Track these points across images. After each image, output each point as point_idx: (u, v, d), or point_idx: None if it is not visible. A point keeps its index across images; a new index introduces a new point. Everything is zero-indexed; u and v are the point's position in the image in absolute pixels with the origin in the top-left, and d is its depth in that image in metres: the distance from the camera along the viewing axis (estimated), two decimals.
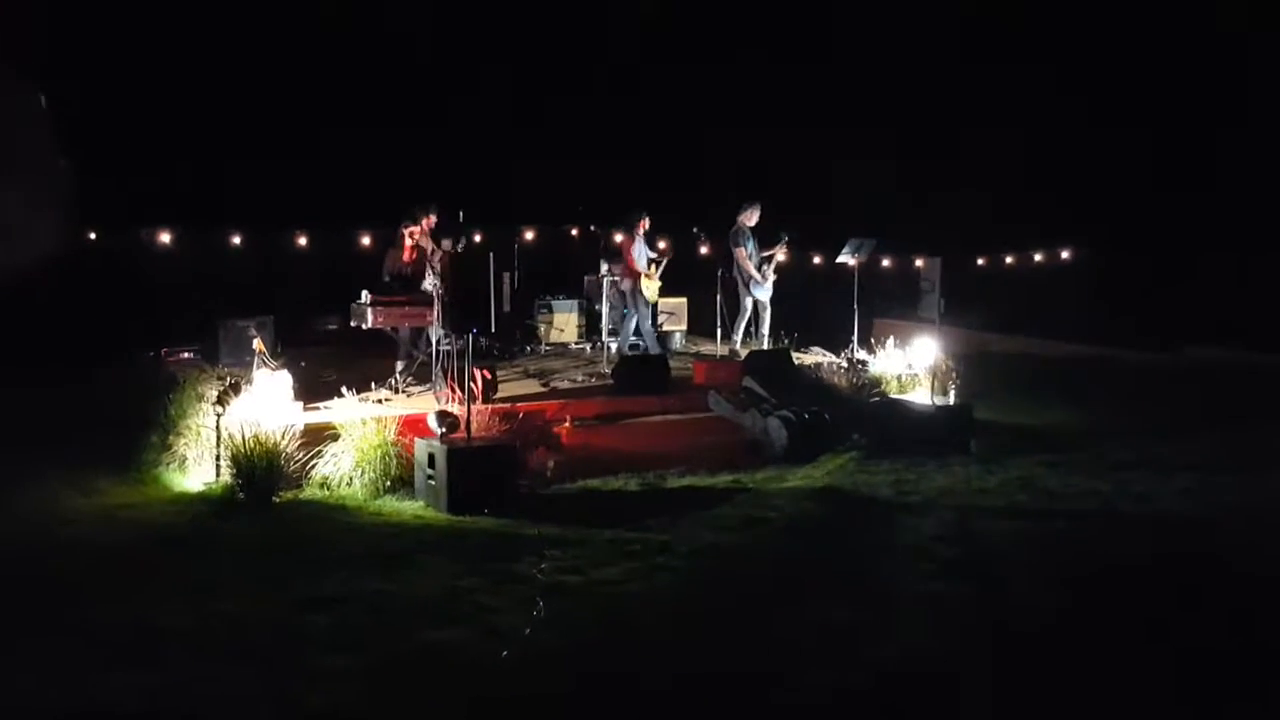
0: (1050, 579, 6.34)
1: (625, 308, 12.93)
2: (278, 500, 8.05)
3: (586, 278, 14.65)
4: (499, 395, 9.98)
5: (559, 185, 16.24)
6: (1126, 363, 14.60)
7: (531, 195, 15.94)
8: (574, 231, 16.49)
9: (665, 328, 14.18)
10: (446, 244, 12.48)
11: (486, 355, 12.47)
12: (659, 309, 14.02)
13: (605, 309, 12.72)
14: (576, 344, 14.41)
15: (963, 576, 6.34)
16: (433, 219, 11.81)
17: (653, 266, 12.81)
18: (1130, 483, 8.71)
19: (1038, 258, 18.16)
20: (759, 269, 12.55)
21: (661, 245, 13.36)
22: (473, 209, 11.67)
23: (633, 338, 12.90)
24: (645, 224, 12.67)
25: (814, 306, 14.47)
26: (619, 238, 13.23)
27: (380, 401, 9.77)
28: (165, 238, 14.12)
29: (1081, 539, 7.22)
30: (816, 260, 16.56)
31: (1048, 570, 6.51)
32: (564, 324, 14.36)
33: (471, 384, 8.72)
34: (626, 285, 12.78)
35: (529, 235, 15.31)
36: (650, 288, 12.76)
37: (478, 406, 8.98)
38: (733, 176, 17.26)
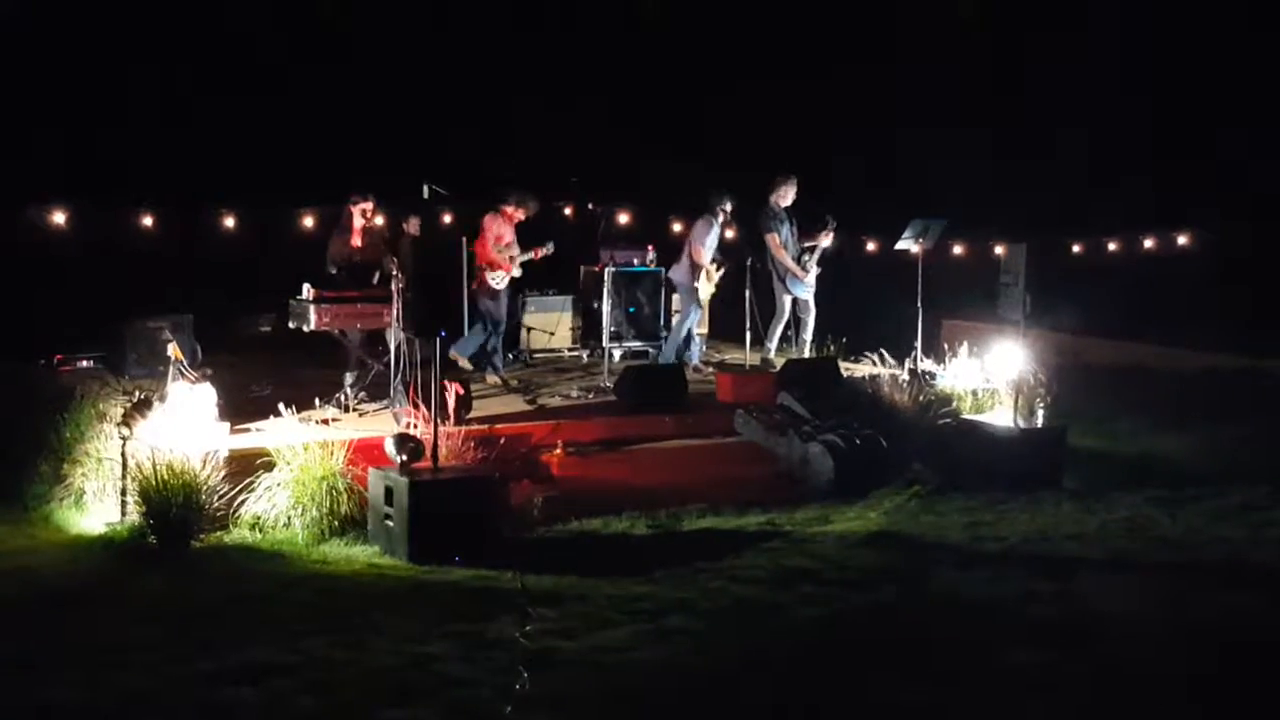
0: (1169, 653, 6.29)
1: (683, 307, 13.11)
2: (198, 545, 8.06)
3: (582, 268, 14.66)
4: (473, 415, 9.99)
5: (548, 151, 16.27)
6: (1274, 376, 14.50)
7: (513, 163, 15.96)
8: (567, 210, 16.51)
9: None
10: (413, 225, 12.55)
11: (458, 365, 12.47)
12: (672, 307, 14.08)
13: (606, 306, 12.74)
14: (570, 351, 14.42)
15: (1055, 646, 6.31)
16: (522, 211, 11.91)
17: (714, 265, 12.88)
18: (1271, 528, 8.66)
19: (1149, 243, 18.13)
20: (798, 260, 12.56)
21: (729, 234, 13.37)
22: (439, 180, 11.71)
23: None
24: (727, 210, 12.74)
25: (867, 305, 14.46)
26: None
27: (326, 422, 9.79)
28: (59, 217, 14.16)
29: (1206, 599, 7.18)
30: (871, 247, 16.56)
31: (1164, 640, 6.46)
32: (554, 326, 14.37)
33: (440, 400, 8.73)
34: (679, 276, 12.87)
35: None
36: (706, 288, 12.84)
37: (447, 429, 8.98)
38: (767, 142, 17.30)
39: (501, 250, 11.96)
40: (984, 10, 18.81)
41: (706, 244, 12.70)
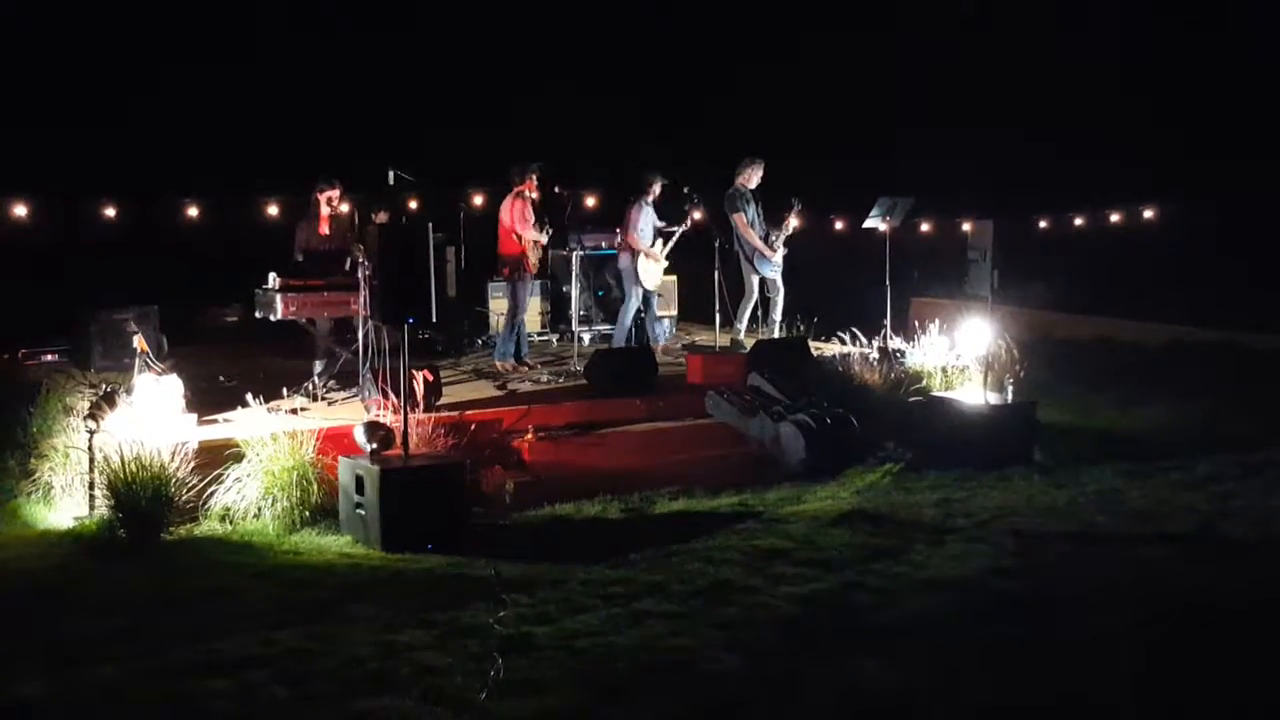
0: (1137, 625, 6.34)
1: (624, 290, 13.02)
2: (167, 538, 8.03)
3: (550, 252, 14.63)
4: (444, 401, 9.96)
5: (514, 135, 16.22)
6: (1237, 348, 14.63)
7: (479, 148, 15.92)
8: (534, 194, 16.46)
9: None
10: (381, 216, 12.50)
11: (427, 352, 12.44)
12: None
13: (575, 291, 12.72)
14: (540, 335, 14.39)
15: (1023, 622, 6.36)
16: (534, 180, 11.75)
17: (658, 244, 12.79)
18: (1238, 499, 8.73)
19: (1115, 218, 18.23)
20: (766, 240, 12.57)
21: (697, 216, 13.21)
22: (405, 166, 11.65)
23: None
24: (656, 188, 12.67)
25: (836, 283, 14.49)
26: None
27: (295, 411, 9.75)
28: (21, 209, 14.03)
29: (1176, 571, 7.23)
30: (838, 225, 16.61)
31: (1134, 613, 6.51)
32: None
33: (410, 387, 8.70)
34: (622, 262, 12.80)
35: (477, 200, 15.27)
36: (652, 270, 12.74)
37: (417, 416, 8.96)
38: (740, 124, 17.33)
39: (533, 230, 11.91)
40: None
41: (639, 228, 12.62)
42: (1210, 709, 5.38)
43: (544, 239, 12.00)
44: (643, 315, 13.02)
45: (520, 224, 11.77)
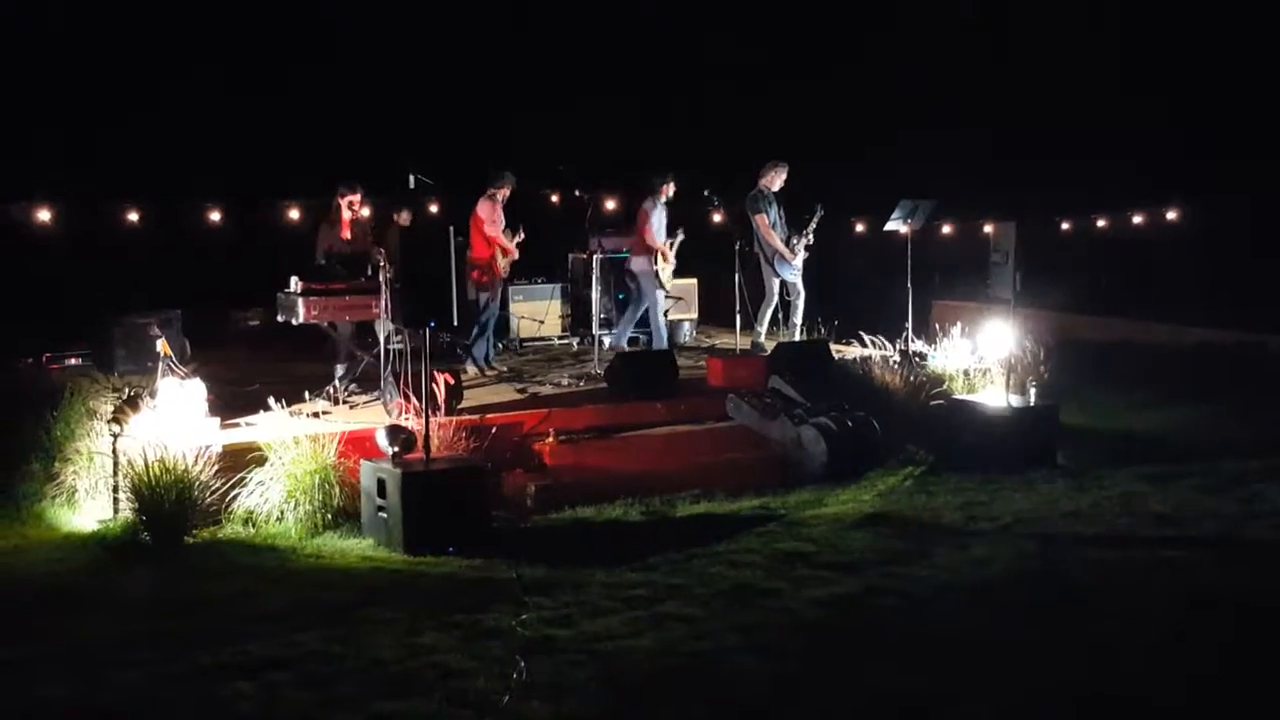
0: (1163, 631, 6.32)
1: (633, 293, 12.99)
2: (191, 541, 8.07)
3: (571, 255, 14.66)
4: (465, 404, 9.99)
5: (535, 138, 16.27)
6: (1261, 350, 14.54)
7: (499, 151, 15.96)
8: (554, 197, 16.50)
9: (672, 315, 14.18)
10: (404, 216, 12.56)
11: (448, 355, 12.47)
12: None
13: (595, 294, 12.74)
14: (560, 339, 14.41)
15: (1047, 627, 6.35)
16: (508, 189, 11.82)
17: (668, 244, 12.82)
18: (1263, 502, 8.69)
19: (1137, 220, 18.15)
20: (787, 242, 12.56)
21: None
22: (426, 170, 11.69)
23: (631, 330, 12.91)
24: (669, 190, 12.69)
25: (858, 286, 14.48)
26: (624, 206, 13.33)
27: (317, 415, 9.79)
28: (44, 214, 14.12)
29: (1201, 575, 7.20)
30: (860, 228, 16.59)
31: (1158, 618, 6.50)
32: (543, 314, 14.36)
33: (431, 391, 8.73)
34: (639, 264, 12.80)
35: None
36: (666, 270, 12.78)
37: (438, 419, 8.99)
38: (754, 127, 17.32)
39: (503, 234, 11.98)
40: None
41: (656, 227, 12.65)
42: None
43: (511, 246, 12.03)
44: (657, 316, 12.98)
45: (488, 222, 11.82)
